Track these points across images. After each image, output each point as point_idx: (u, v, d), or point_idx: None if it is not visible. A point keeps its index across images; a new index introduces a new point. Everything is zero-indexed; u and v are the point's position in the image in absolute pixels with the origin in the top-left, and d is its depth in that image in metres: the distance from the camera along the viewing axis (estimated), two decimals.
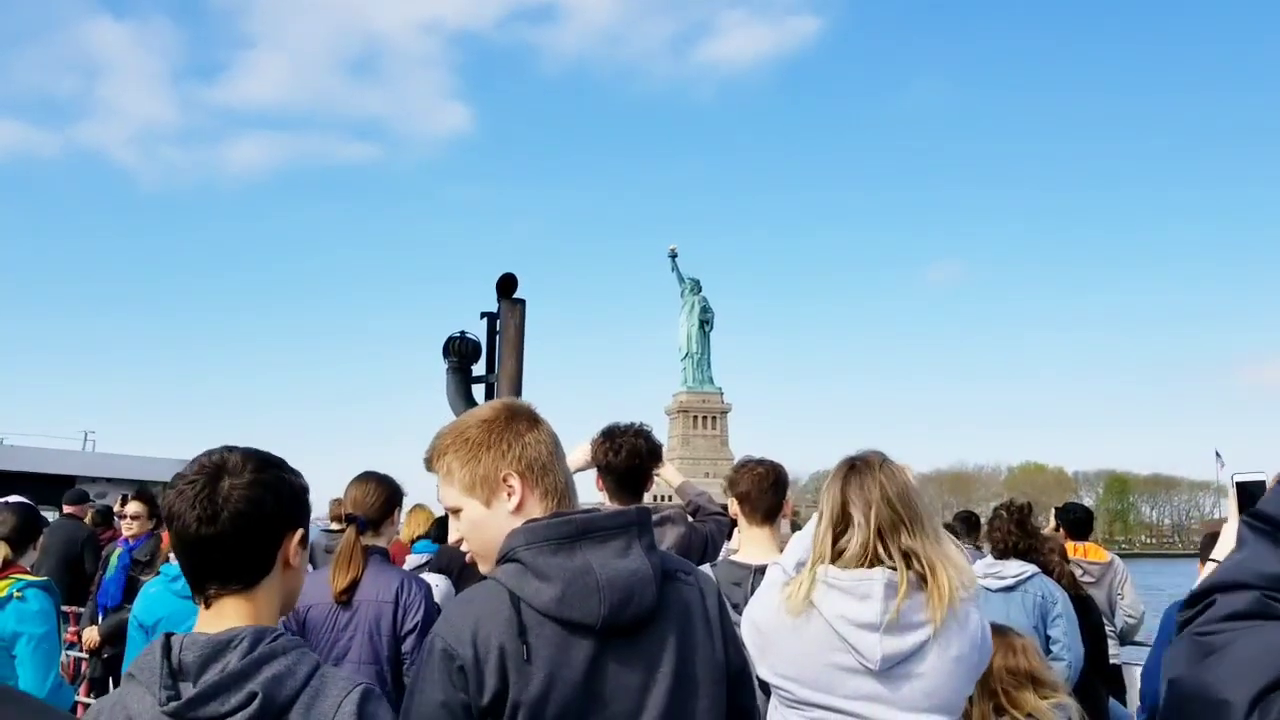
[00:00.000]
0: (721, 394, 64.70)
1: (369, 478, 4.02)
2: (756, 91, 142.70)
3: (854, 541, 2.48)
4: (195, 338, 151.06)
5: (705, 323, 65.68)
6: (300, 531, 1.80)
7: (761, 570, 3.53)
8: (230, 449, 1.77)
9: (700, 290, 66.05)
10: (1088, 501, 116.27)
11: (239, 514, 1.70)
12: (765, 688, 2.57)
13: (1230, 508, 2.92)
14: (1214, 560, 2.96)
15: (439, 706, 1.83)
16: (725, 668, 2.01)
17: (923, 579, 2.42)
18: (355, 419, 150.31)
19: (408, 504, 8.05)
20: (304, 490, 1.83)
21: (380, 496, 3.97)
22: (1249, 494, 2.86)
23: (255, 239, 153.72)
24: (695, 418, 63.27)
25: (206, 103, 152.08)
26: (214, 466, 1.73)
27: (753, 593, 3.46)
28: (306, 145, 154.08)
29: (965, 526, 7.76)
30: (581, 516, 1.94)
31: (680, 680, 1.93)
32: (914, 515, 2.49)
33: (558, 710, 1.84)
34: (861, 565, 2.46)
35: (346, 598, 3.75)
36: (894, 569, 2.43)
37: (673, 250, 65.34)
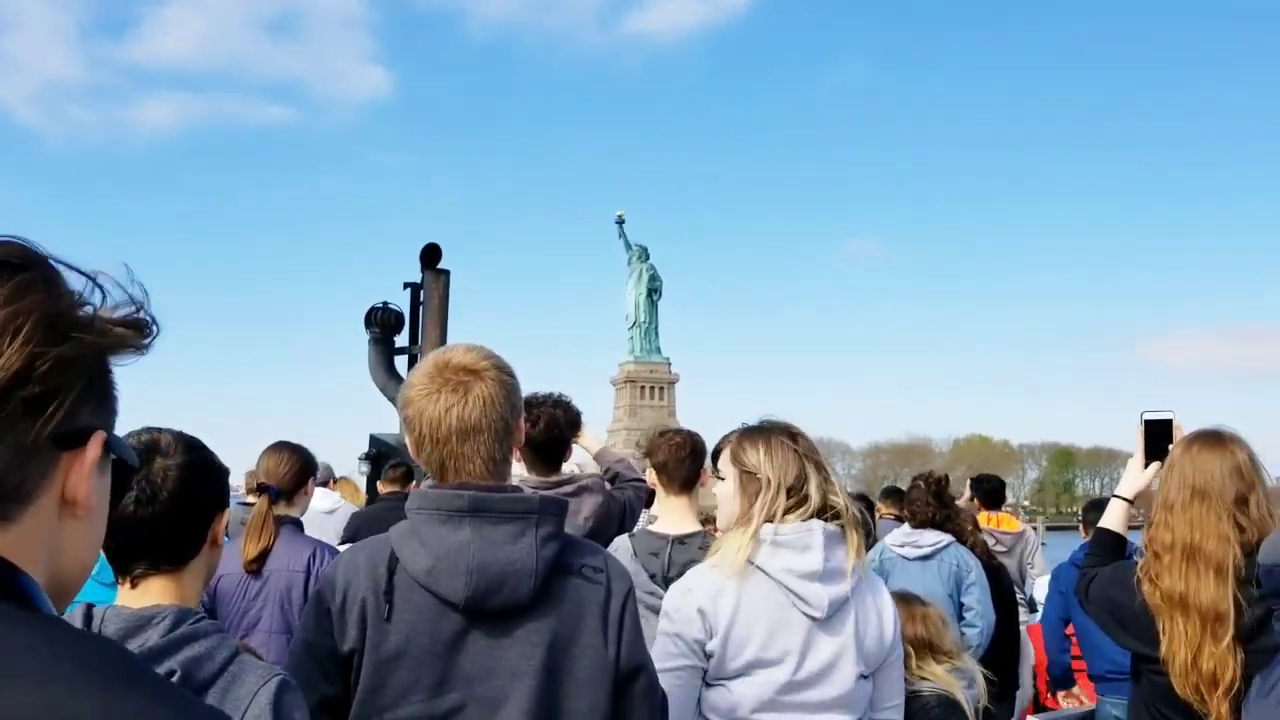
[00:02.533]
0: (669, 364, 64.72)
1: (282, 447, 4.02)
2: (684, 64, 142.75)
3: (810, 502, 2.56)
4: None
5: (654, 291, 65.33)
6: (228, 511, 1.85)
7: (679, 540, 3.61)
8: (158, 430, 1.79)
9: (648, 258, 65.63)
10: (1032, 474, 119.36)
11: (177, 493, 1.73)
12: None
13: (1137, 442, 3.07)
14: (1117, 497, 3.11)
15: (304, 644, 1.95)
16: (614, 668, 1.99)
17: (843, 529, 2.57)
18: (272, 392, 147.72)
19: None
20: (227, 471, 1.88)
21: (293, 466, 3.97)
22: (1156, 431, 3.03)
23: (166, 202, 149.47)
24: (642, 388, 63.19)
25: (115, 60, 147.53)
26: (145, 447, 1.74)
27: (670, 563, 3.54)
28: (219, 106, 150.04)
29: (891, 500, 7.99)
30: (475, 494, 1.94)
31: (553, 675, 1.93)
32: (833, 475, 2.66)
33: (411, 675, 1.88)
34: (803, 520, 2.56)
35: (257, 567, 3.77)
36: (827, 521, 2.55)
37: (620, 216, 64.81)
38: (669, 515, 3.74)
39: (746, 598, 2.53)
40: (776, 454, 2.61)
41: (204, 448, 1.83)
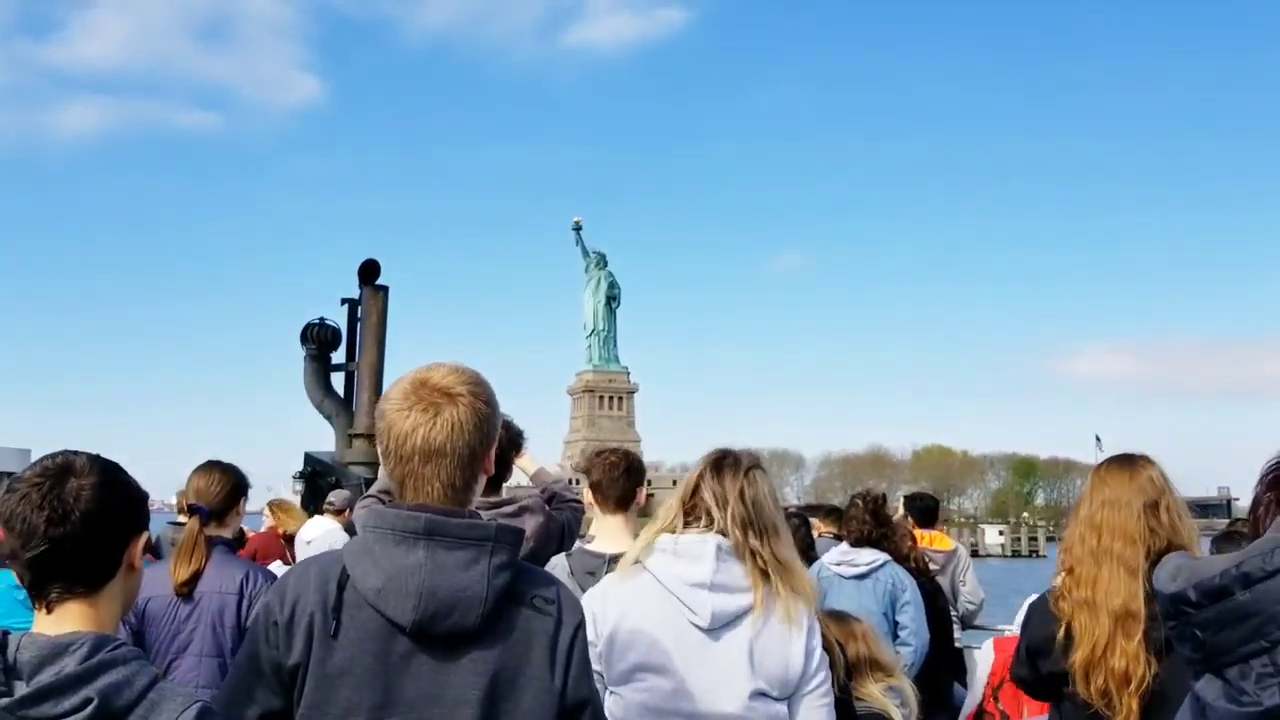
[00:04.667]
0: (628, 373, 64.75)
1: (213, 467, 4.02)
2: (620, 79, 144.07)
3: (702, 523, 2.68)
4: (15, 318, 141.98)
5: (612, 299, 65.26)
6: (145, 535, 1.84)
7: (615, 559, 3.68)
8: (73, 452, 1.81)
9: (606, 265, 65.61)
10: (993, 485, 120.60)
11: (90, 514, 1.73)
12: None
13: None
14: None
15: (249, 658, 1.97)
16: (560, 701, 1.99)
17: (760, 571, 2.63)
18: (202, 408, 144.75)
19: (262, 497, 8.08)
20: (146, 496, 1.89)
21: (224, 486, 3.97)
22: None
23: (85, 209, 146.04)
24: (601, 398, 63.14)
25: (37, 63, 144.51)
26: (59, 468, 1.76)
27: None
28: (143, 111, 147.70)
29: (830, 517, 8.13)
30: (431, 517, 1.95)
31: (496, 705, 1.94)
32: (765, 524, 2.69)
33: (353, 694, 1.91)
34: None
35: (188, 589, 3.76)
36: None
37: (577, 223, 64.79)
38: (605, 534, 3.79)
39: (635, 602, 2.63)
40: (689, 476, 2.78)
41: (120, 470, 1.84)
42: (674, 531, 2.70)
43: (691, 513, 2.73)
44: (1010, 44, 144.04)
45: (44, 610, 1.76)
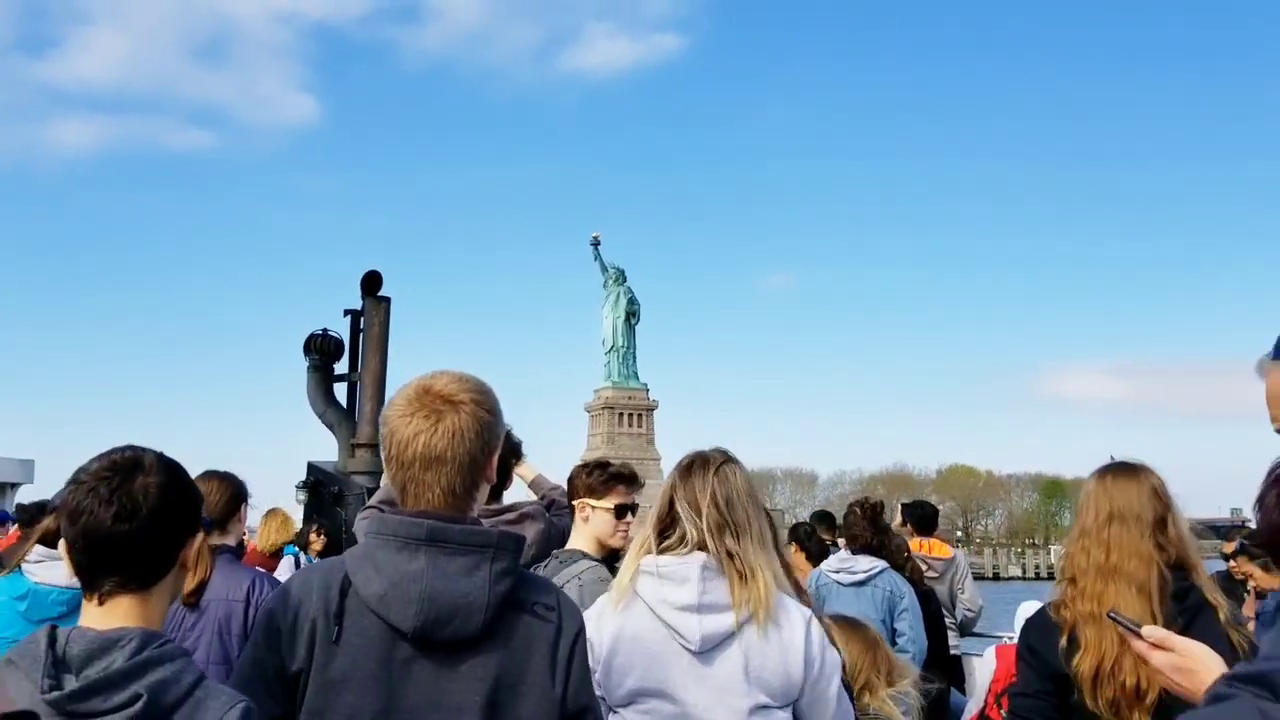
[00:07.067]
0: (647, 390, 64.69)
1: (211, 476, 4.08)
2: (617, 103, 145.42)
3: (676, 536, 2.69)
4: (16, 332, 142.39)
5: (631, 315, 65.18)
6: (200, 536, 1.90)
7: (558, 558, 3.77)
8: (140, 448, 1.85)
9: (625, 280, 65.59)
10: (1021, 504, 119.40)
11: (155, 512, 1.77)
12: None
13: None
14: None
15: (252, 662, 2.04)
16: (560, 708, 2.04)
17: (739, 574, 2.62)
18: (205, 420, 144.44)
19: (262, 508, 8.22)
20: (203, 498, 1.95)
21: (224, 495, 4.04)
22: None
23: (84, 224, 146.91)
24: (621, 415, 63.02)
25: (32, 79, 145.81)
26: (128, 464, 1.80)
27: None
28: (139, 129, 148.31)
29: (824, 524, 8.21)
30: (433, 524, 2.01)
31: (497, 711, 1.99)
32: (739, 520, 2.67)
33: (355, 700, 1.97)
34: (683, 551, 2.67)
35: (194, 599, 3.84)
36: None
37: (595, 238, 64.77)
38: (576, 539, 3.92)
39: (628, 627, 2.64)
40: (662, 489, 2.76)
41: (184, 470, 1.90)
42: (650, 551, 2.69)
43: (671, 527, 2.70)
44: (1003, 64, 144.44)
45: (95, 602, 1.79)
